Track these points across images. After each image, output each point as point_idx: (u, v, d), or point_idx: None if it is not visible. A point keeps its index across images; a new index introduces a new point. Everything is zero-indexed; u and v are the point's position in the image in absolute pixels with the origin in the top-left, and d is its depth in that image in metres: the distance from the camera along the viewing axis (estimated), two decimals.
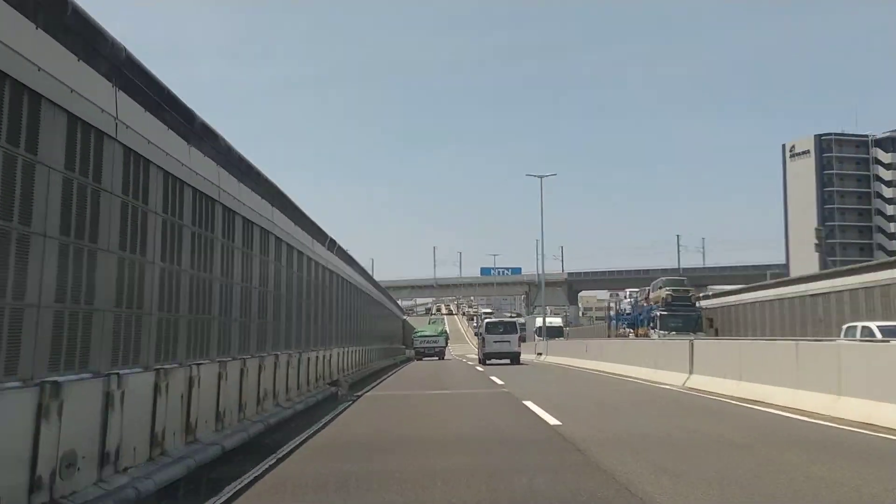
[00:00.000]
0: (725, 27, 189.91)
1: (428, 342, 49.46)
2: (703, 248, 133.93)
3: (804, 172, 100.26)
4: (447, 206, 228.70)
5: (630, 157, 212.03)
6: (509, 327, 33.46)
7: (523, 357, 34.36)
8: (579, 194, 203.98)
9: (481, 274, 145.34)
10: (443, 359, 47.00)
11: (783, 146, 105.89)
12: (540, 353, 36.40)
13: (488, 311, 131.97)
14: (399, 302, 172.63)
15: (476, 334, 44.37)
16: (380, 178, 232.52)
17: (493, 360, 31.65)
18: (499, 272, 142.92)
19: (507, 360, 31.58)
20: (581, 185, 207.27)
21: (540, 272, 44.66)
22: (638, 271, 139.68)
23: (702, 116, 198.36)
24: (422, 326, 60.99)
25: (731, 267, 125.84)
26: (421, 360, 45.80)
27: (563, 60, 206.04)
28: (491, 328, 33.25)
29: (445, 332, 59.08)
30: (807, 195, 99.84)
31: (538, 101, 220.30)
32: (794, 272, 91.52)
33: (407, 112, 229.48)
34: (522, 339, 61.30)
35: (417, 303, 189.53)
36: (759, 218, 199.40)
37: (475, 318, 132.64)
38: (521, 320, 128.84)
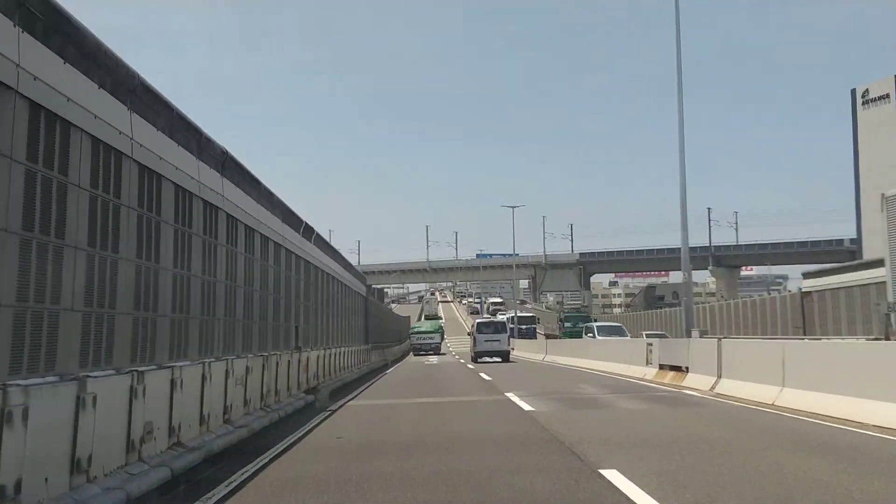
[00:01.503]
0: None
1: (424, 339, 49.88)
2: (737, 222, 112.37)
3: (882, 122, 79.46)
4: (444, 195, 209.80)
5: (643, 133, 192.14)
6: (499, 327, 34.47)
7: None
8: (590, 171, 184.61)
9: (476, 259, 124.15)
10: (438, 353, 47.75)
11: (852, 91, 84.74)
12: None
13: (499, 300, 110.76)
14: (388, 290, 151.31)
15: (468, 334, 42.51)
16: (376, 170, 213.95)
17: (485, 359, 32.52)
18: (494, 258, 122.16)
19: (499, 359, 32.50)
20: (592, 163, 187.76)
21: (684, 198, 23.10)
22: (662, 250, 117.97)
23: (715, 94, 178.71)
24: (417, 322, 61.06)
25: (772, 244, 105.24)
26: (418, 355, 46.78)
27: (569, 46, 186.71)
28: (482, 328, 34.14)
29: (441, 328, 56.28)
30: (885, 150, 79.07)
31: (543, 81, 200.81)
32: (868, 247, 71.88)
33: (406, 103, 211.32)
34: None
35: (410, 290, 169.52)
36: (796, 191, 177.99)
37: (480, 308, 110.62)
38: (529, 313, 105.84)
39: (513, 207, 52.64)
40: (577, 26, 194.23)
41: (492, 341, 32.69)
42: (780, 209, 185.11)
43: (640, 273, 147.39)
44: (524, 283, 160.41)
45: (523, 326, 50.58)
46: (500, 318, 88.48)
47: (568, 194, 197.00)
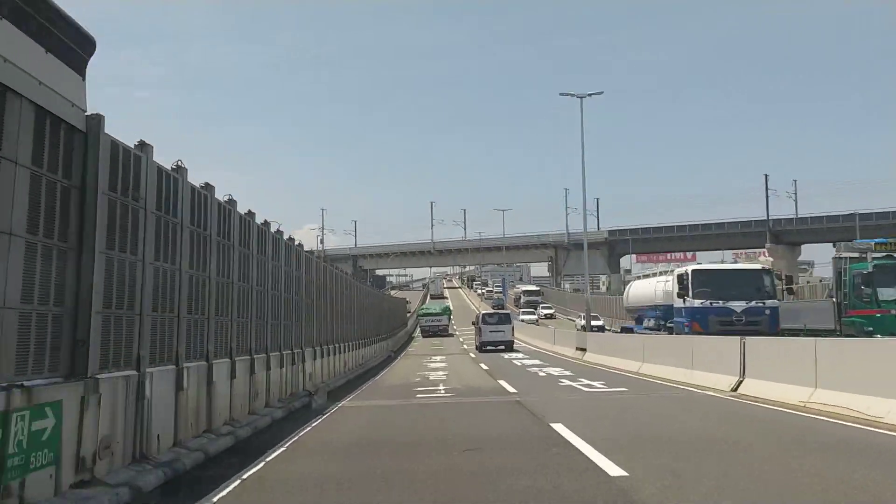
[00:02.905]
0: None
1: (432, 321, 49.19)
2: (796, 192, 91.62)
3: None
4: (451, 173, 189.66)
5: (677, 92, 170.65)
6: (504, 318, 33.76)
7: None
8: (616, 139, 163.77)
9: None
10: (447, 334, 47.48)
11: None
12: None
13: (533, 288, 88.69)
14: (392, 278, 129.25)
15: (473, 323, 38.36)
16: (379, 157, 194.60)
17: (489, 348, 30.82)
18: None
19: (503, 348, 30.81)
20: (617, 130, 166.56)
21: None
22: (708, 225, 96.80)
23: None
24: (424, 305, 62.89)
25: (844, 216, 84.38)
26: (426, 336, 46.63)
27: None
28: (487, 319, 33.20)
29: (448, 309, 55.80)
30: None
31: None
32: None
33: (409, 97, 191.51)
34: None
35: (414, 278, 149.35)
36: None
37: (503, 297, 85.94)
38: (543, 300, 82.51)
39: (581, 96, 29.40)
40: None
41: (496, 332, 32.05)
42: (844, 177, 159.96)
43: (662, 258, 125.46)
44: (536, 269, 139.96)
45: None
46: (545, 311, 66.34)
47: (593, 168, 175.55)
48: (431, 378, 16.67)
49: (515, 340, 33.40)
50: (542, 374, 17.21)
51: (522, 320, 49.09)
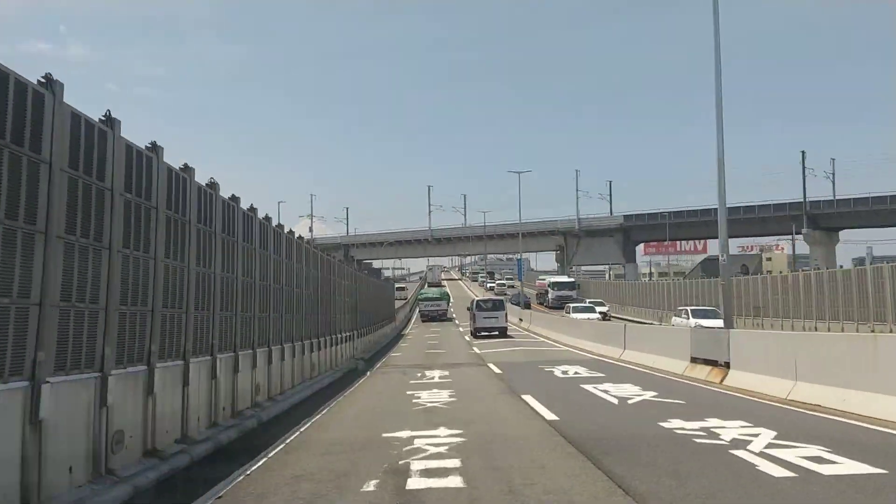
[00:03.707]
0: None
1: (431, 305, 49.88)
2: (833, 172, 79.98)
3: None
4: (450, 156, 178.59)
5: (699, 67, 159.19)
6: (497, 304, 33.92)
7: None
8: (632, 121, 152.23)
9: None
10: (446, 318, 48.27)
11: None
12: None
13: (566, 280, 69.60)
14: (388, 271, 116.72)
15: (468, 309, 36.49)
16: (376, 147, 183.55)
17: (483, 334, 31.55)
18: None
19: (496, 333, 31.59)
20: (634, 110, 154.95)
21: None
22: (737, 209, 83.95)
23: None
24: (423, 290, 62.87)
25: (892, 196, 72.93)
26: (426, 320, 47.19)
27: None
28: (481, 305, 33.83)
29: (447, 294, 56.65)
30: None
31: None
32: None
33: (412, 95, 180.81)
34: None
35: (411, 271, 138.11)
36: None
37: (518, 293, 62.93)
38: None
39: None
40: None
41: (490, 318, 32.04)
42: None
43: (672, 247, 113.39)
44: (541, 260, 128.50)
45: None
46: (599, 308, 48.46)
47: (603, 148, 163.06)
48: (416, 467, 5.19)
49: (563, 346, 24.87)
50: (746, 457, 5.63)
51: (573, 318, 36.11)
